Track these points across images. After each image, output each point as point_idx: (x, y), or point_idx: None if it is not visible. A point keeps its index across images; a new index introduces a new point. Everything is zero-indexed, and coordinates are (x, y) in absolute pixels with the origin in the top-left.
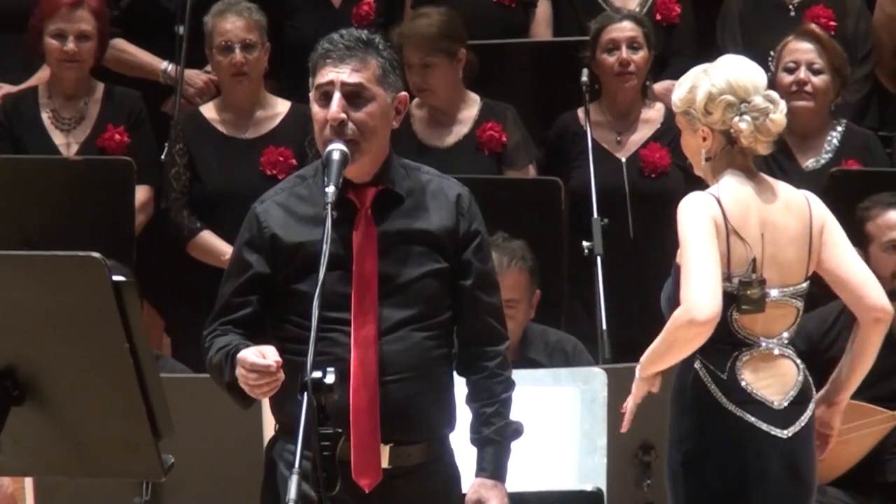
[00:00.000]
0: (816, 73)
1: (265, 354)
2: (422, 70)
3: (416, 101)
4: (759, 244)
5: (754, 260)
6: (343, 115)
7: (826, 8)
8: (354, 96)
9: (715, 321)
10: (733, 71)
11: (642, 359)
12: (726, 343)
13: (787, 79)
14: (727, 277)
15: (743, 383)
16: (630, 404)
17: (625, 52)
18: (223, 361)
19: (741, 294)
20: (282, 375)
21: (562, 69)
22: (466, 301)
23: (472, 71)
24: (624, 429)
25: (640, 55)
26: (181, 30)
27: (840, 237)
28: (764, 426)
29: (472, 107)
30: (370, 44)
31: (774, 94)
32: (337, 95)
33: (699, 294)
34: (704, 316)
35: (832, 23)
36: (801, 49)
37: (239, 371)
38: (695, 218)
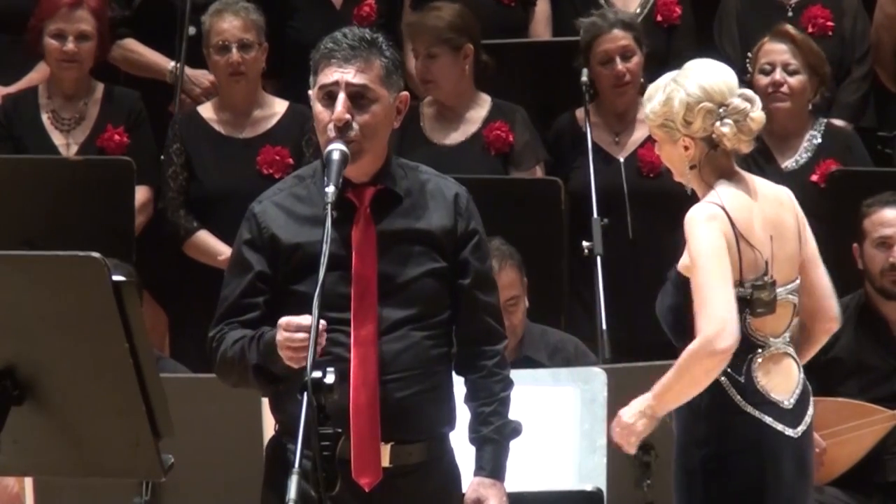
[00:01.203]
0: (792, 73)
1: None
2: (426, 60)
3: (427, 99)
4: (769, 246)
5: (767, 263)
6: (348, 117)
7: (823, 8)
8: (359, 97)
9: (734, 349)
10: (705, 76)
11: (655, 397)
12: (741, 346)
13: (763, 80)
14: (740, 283)
15: (758, 385)
16: (634, 440)
17: (619, 65)
18: (245, 347)
19: (755, 298)
20: (324, 340)
21: (561, 69)
22: (464, 300)
23: (487, 71)
24: (631, 450)
25: (634, 62)
26: (191, 30)
27: (812, 238)
28: (779, 426)
29: (481, 107)
30: (374, 43)
31: (749, 92)
32: (342, 96)
33: (718, 324)
34: (727, 344)
35: (829, 23)
36: (776, 50)
37: (281, 336)
38: (706, 236)
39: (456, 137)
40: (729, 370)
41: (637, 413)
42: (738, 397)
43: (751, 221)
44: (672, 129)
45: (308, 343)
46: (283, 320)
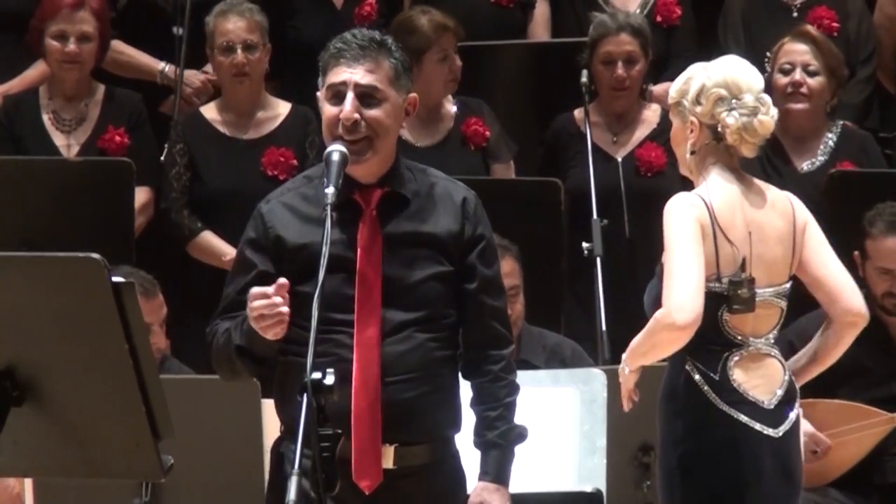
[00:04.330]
0: (812, 74)
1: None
2: (454, 58)
3: None
4: (748, 244)
5: (744, 260)
6: (356, 116)
7: (829, 9)
8: (367, 97)
9: (695, 325)
10: (731, 69)
11: (627, 353)
12: (717, 344)
13: (782, 80)
14: (716, 278)
15: (735, 383)
16: (628, 392)
17: (621, 69)
18: (231, 331)
19: (732, 294)
20: (286, 310)
21: (560, 70)
22: (471, 305)
23: None
24: (627, 407)
25: (636, 69)
26: (179, 31)
27: (821, 238)
28: (757, 426)
29: (448, 103)
30: (383, 45)
31: (767, 98)
32: (350, 95)
33: (681, 298)
34: (685, 320)
35: (835, 24)
36: (797, 50)
37: (248, 309)
38: (680, 220)
39: (433, 137)
40: (703, 368)
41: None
42: (713, 395)
43: (733, 217)
44: (684, 108)
45: (274, 309)
46: (250, 292)
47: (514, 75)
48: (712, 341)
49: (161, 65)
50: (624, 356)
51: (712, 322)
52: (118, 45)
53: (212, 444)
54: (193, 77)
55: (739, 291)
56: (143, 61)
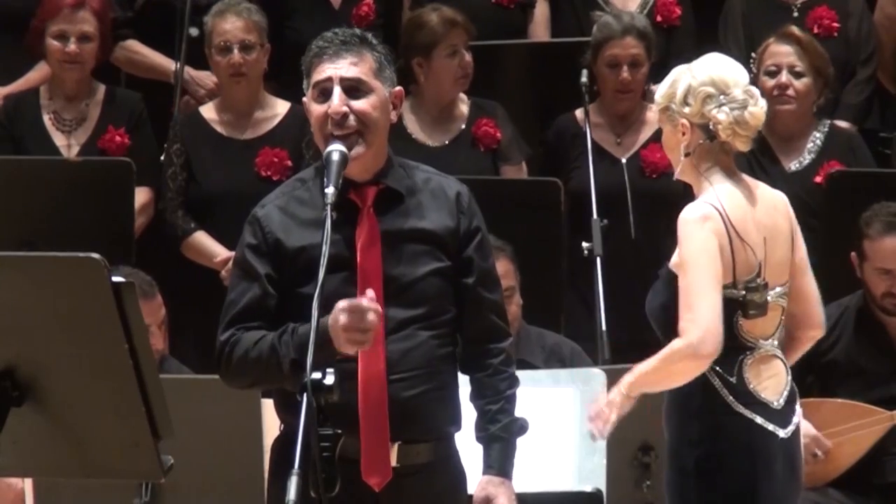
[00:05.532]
0: (798, 75)
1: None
2: (464, 54)
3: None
4: (763, 248)
5: (760, 265)
6: (345, 108)
7: (829, 9)
8: (354, 90)
9: (716, 355)
10: (715, 67)
11: (631, 380)
12: (732, 347)
13: (768, 83)
14: (732, 284)
15: (750, 386)
16: (613, 418)
17: (626, 73)
18: (275, 344)
19: (748, 300)
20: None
21: (560, 70)
22: (469, 299)
23: None
24: (602, 436)
25: (641, 72)
26: (194, 31)
27: (803, 245)
28: (770, 426)
29: (462, 104)
30: (364, 39)
31: (754, 89)
32: (337, 90)
33: (705, 328)
34: (709, 351)
35: (835, 24)
36: (782, 52)
37: (346, 319)
38: (698, 237)
39: (443, 137)
40: (720, 371)
41: (613, 390)
42: (731, 398)
43: (746, 222)
44: (673, 112)
45: (374, 325)
46: (345, 304)
47: (515, 75)
48: (728, 345)
49: (175, 65)
50: (625, 382)
51: (728, 327)
52: (133, 44)
53: (212, 444)
54: (206, 79)
55: (754, 297)
56: (157, 61)
